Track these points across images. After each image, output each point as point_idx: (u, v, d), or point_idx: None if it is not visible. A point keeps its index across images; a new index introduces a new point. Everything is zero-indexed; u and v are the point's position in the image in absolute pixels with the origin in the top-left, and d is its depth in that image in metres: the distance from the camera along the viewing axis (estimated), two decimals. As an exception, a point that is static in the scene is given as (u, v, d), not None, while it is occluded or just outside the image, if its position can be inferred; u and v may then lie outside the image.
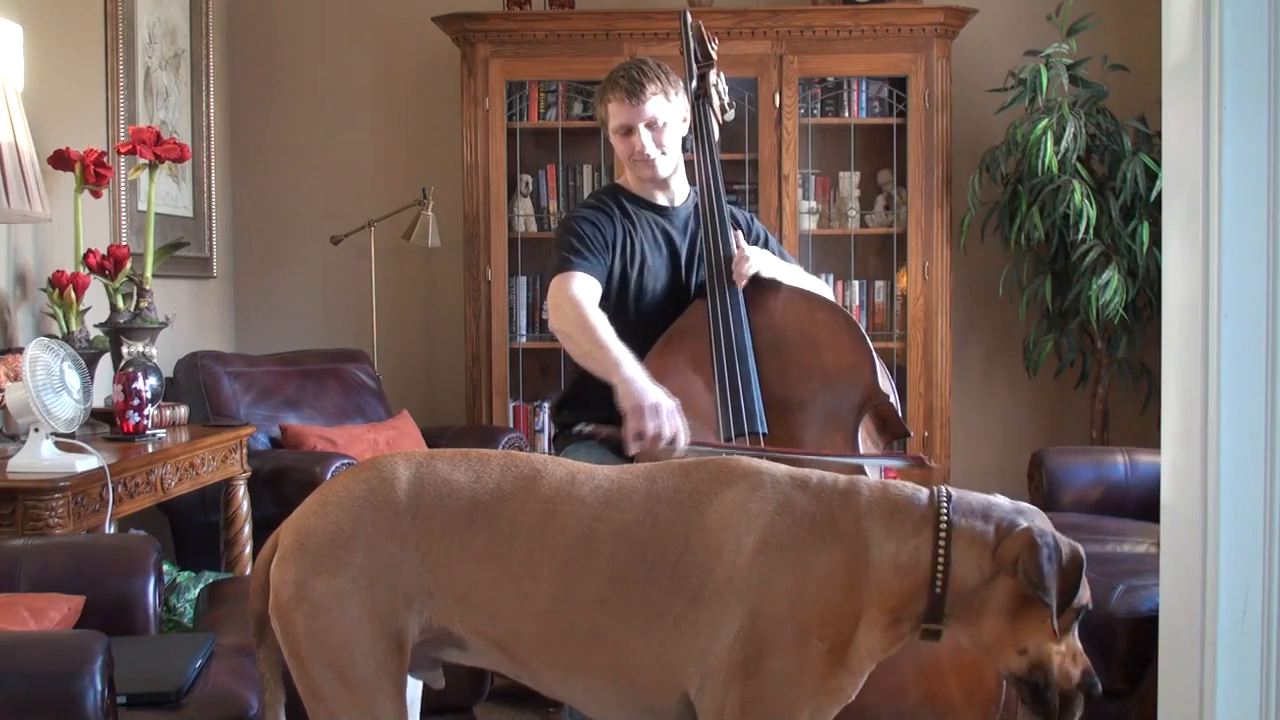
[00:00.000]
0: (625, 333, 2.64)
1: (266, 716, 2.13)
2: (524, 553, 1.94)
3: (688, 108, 2.82)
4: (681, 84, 2.82)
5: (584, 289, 2.63)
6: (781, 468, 1.99)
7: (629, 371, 2.45)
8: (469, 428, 4.85)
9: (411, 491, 1.99)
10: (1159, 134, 3.13)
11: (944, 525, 1.87)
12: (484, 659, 2.04)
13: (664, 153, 2.78)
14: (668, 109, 2.76)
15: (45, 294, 3.54)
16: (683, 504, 1.95)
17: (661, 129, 2.76)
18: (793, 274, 2.87)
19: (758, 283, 2.76)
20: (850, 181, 5.07)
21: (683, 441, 2.42)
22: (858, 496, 1.93)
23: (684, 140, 2.85)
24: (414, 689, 2.09)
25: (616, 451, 2.69)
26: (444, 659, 2.08)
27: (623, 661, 1.92)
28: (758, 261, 2.77)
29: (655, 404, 2.39)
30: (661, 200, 2.86)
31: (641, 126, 2.75)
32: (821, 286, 2.92)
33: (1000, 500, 1.95)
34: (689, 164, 2.85)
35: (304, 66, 5.36)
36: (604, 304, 2.69)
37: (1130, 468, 3.71)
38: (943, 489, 1.92)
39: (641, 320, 2.79)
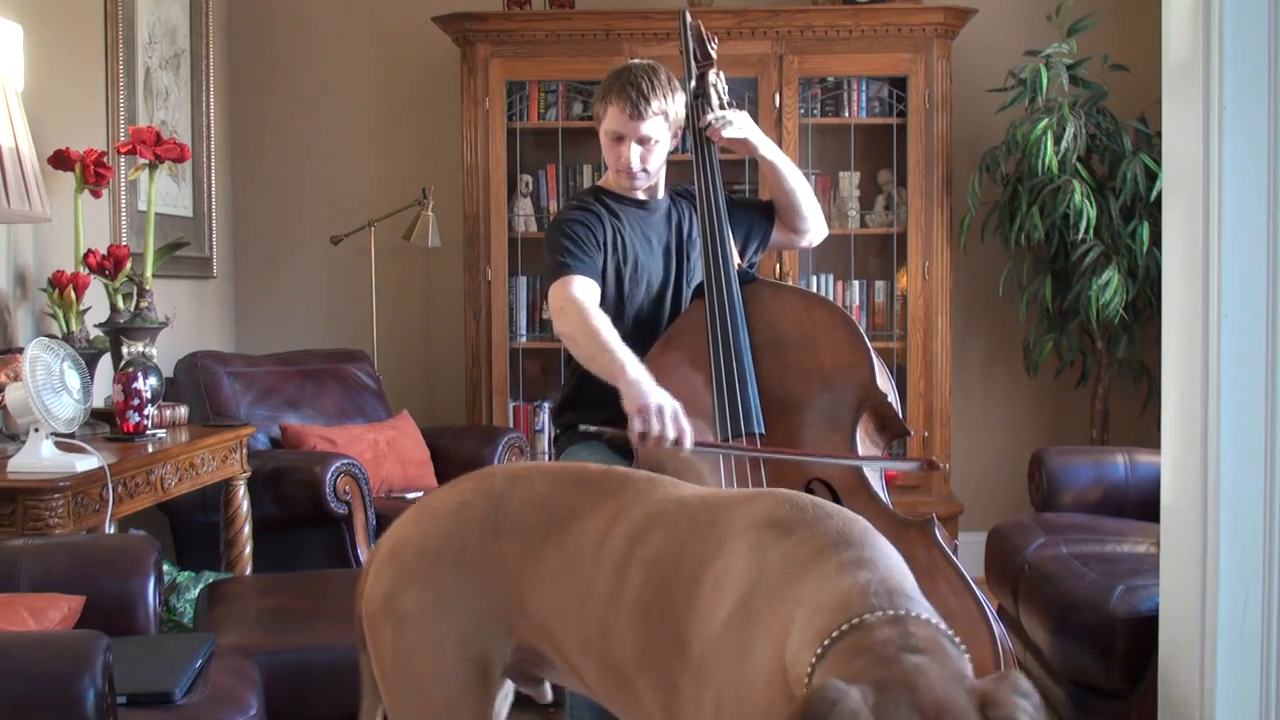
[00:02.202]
0: (623, 332, 2.64)
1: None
2: (583, 576, 1.80)
3: (682, 120, 2.82)
4: (682, 96, 2.81)
5: (584, 292, 2.64)
6: (836, 514, 1.65)
7: (633, 374, 2.47)
8: (469, 428, 4.85)
9: (501, 506, 1.90)
10: (1159, 134, 3.13)
11: (824, 644, 1.40)
12: (576, 686, 1.92)
13: (647, 170, 2.79)
14: (663, 129, 2.76)
15: (45, 294, 3.54)
16: (712, 540, 1.68)
17: (652, 147, 2.77)
18: (776, 150, 2.87)
19: (754, 281, 2.77)
20: (850, 181, 5.07)
21: (688, 442, 2.44)
22: (811, 570, 1.53)
23: (684, 140, 2.85)
24: (504, 700, 2.01)
25: (620, 451, 2.70)
26: (545, 677, 1.98)
27: (645, 717, 1.73)
28: (741, 126, 2.78)
29: (660, 405, 2.41)
30: (642, 195, 2.87)
31: (633, 142, 2.75)
32: (801, 178, 2.91)
33: (943, 656, 1.37)
34: (688, 164, 2.85)
35: (304, 66, 5.36)
36: (601, 304, 2.70)
37: (1130, 468, 3.71)
38: (899, 610, 1.43)
39: (638, 316, 2.80)
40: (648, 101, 2.71)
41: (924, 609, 1.44)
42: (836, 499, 2.55)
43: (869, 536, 1.59)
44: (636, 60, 2.81)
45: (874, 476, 2.59)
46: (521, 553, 1.86)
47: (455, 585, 1.86)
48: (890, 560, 1.56)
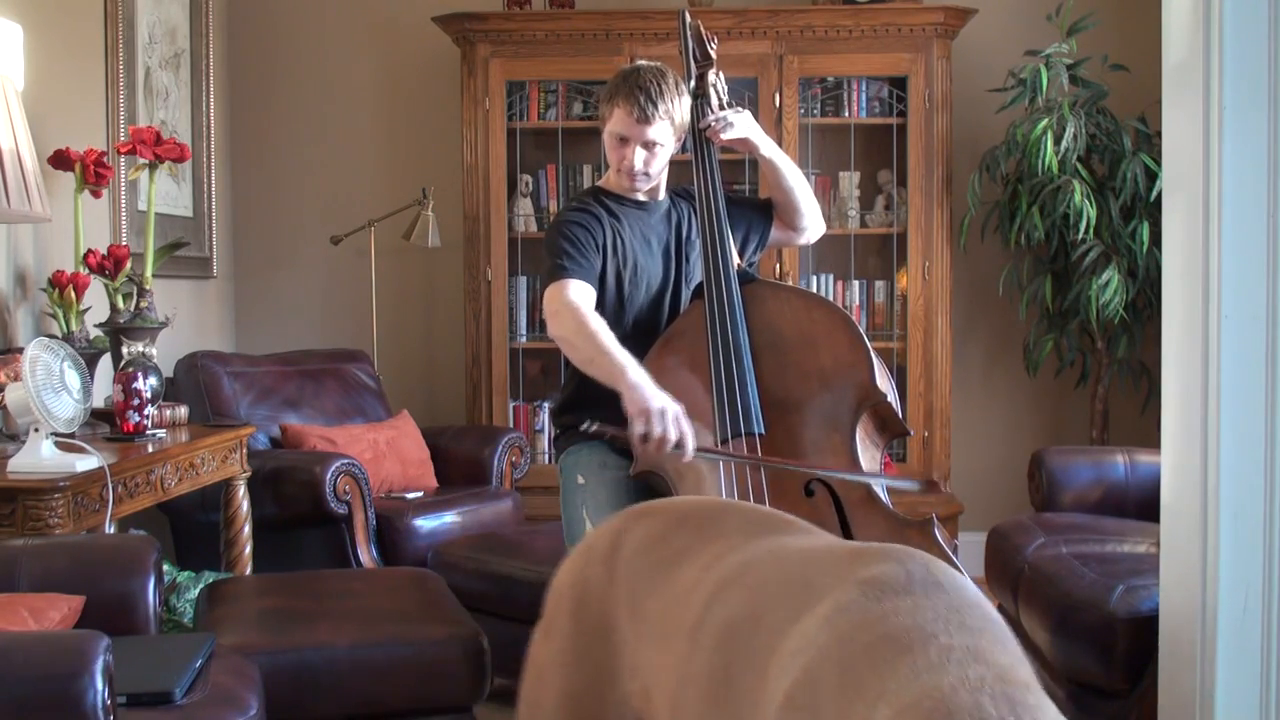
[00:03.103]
0: (623, 333, 2.64)
1: None
2: (667, 636, 1.51)
3: (687, 124, 2.81)
4: (687, 100, 2.81)
5: (580, 295, 2.64)
6: (951, 587, 1.29)
7: (634, 377, 2.47)
8: (469, 427, 4.85)
9: (618, 547, 1.64)
10: (1159, 134, 3.13)
11: None
12: None
13: (649, 174, 2.79)
14: (668, 133, 2.76)
15: (45, 294, 3.54)
16: (799, 603, 1.33)
17: (656, 151, 2.76)
18: (775, 149, 2.87)
19: (753, 281, 2.77)
20: (850, 181, 5.07)
21: (690, 446, 2.44)
22: (904, 654, 1.17)
23: (684, 141, 2.85)
24: None
25: (620, 451, 2.70)
26: None
27: None
28: (741, 127, 2.79)
29: (662, 408, 2.42)
30: (642, 196, 2.87)
31: (638, 145, 2.75)
32: (800, 177, 2.91)
33: None
34: (687, 164, 2.85)
35: (304, 66, 5.36)
36: (599, 307, 2.70)
37: (1130, 468, 3.71)
38: None
39: (638, 317, 2.80)
40: (655, 105, 2.70)
41: (1052, 716, 1.11)
42: (837, 499, 2.55)
43: (988, 621, 1.24)
44: (644, 62, 2.80)
45: (881, 492, 2.58)
46: (630, 602, 1.59)
47: (575, 636, 1.65)
48: (1009, 647, 1.21)
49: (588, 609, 1.65)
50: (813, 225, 2.97)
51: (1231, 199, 2.33)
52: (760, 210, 2.96)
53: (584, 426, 2.54)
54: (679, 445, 2.43)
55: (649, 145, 2.75)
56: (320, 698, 2.73)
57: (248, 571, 3.80)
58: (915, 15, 4.82)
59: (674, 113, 2.74)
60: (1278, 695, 2.34)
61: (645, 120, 2.71)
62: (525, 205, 5.10)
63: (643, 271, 2.80)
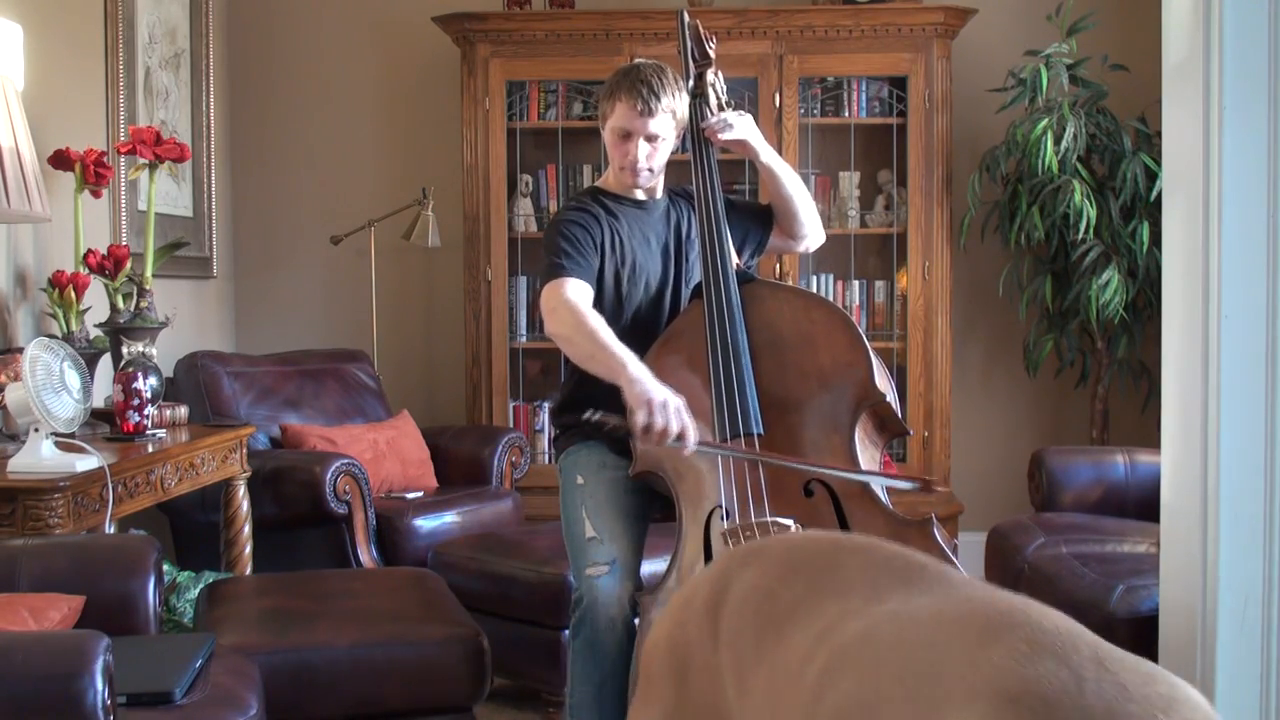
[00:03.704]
0: (622, 332, 2.64)
1: None
2: (780, 713, 1.28)
3: (686, 121, 2.82)
4: (686, 97, 2.81)
5: (578, 293, 2.65)
6: (1138, 689, 0.96)
7: (635, 371, 2.47)
8: (469, 428, 4.85)
9: (723, 600, 1.41)
10: (1159, 134, 3.13)
11: None
12: None
13: (651, 170, 2.79)
14: (670, 127, 2.76)
15: (45, 294, 3.54)
16: (922, 703, 1.06)
17: (658, 145, 2.76)
18: (775, 156, 2.88)
19: (752, 281, 2.77)
20: (850, 181, 5.07)
21: (691, 439, 2.44)
22: None
23: (683, 140, 2.85)
24: None
25: (619, 451, 2.70)
26: None
27: None
28: (741, 129, 2.79)
29: (664, 401, 2.42)
30: (641, 195, 2.87)
31: (641, 139, 2.75)
32: (800, 184, 2.91)
33: None
34: (686, 164, 2.85)
35: (304, 66, 5.37)
36: (598, 306, 2.70)
37: (1130, 468, 3.71)
38: None
39: (637, 316, 2.80)
40: (658, 99, 2.71)
41: None
42: (836, 500, 2.54)
43: None
44: (643, 60, 2.81)
45: (879, 491, 2.58)
46: (736, 671, 1.36)
47: (679, 709, 1.45)
48: None
49: (690, 676, 1.43)
50: (812, 234, 2.96)
51: (1231, 199, 2.33)
52: (759, 216, 2.96)
53: (586, 415, 2.53)
54: (680, 438, 2.44)
55: (651, 139, 2.75)
56: (320, 698, 2.73)
57: (248, 571, 3.80)
58: (915, 15, 4.82)
59: (675, 106, 2.75)
60: (1278, 695, 2.34)
61: (648, 113, 2.71)
62: (525, 205, 5.10)
63: (641, 270, 2.80)
